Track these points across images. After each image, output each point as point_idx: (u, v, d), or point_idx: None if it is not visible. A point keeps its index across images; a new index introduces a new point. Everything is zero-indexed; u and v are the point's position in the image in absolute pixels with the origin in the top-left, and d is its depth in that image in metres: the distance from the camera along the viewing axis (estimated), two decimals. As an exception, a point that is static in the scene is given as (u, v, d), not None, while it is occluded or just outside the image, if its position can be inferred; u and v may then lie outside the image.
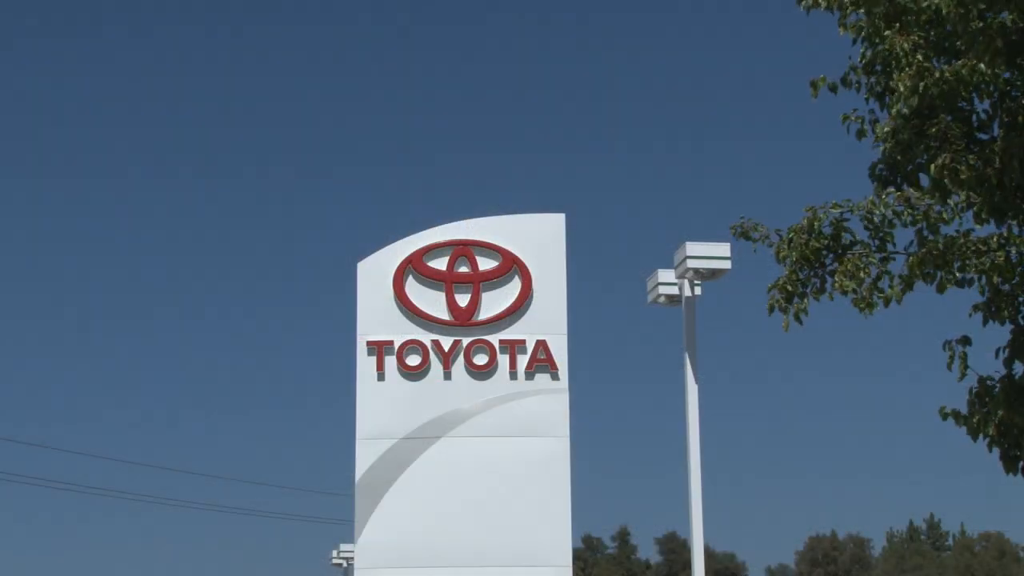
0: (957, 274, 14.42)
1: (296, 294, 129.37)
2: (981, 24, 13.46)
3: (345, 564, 47.64)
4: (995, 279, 14.39)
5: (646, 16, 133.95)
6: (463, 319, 18.74)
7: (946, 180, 14.03)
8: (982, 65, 13.70)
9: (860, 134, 15.42)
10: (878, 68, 15.11)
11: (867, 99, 15.39)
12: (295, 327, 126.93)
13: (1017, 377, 14.61)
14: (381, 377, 18.64)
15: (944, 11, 13.79)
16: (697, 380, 19.84)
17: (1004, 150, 13.96)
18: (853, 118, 15.46)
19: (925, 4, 14.19)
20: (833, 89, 15.38)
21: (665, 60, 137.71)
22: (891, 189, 14.90)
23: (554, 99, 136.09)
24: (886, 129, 15.03)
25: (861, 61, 15.33)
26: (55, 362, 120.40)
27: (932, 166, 14.19)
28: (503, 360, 18.64)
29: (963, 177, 14.00)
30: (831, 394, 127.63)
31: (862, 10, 14.86)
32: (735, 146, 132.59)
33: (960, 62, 13.97)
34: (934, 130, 14.37)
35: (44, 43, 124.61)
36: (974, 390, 14.73)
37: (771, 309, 14.79)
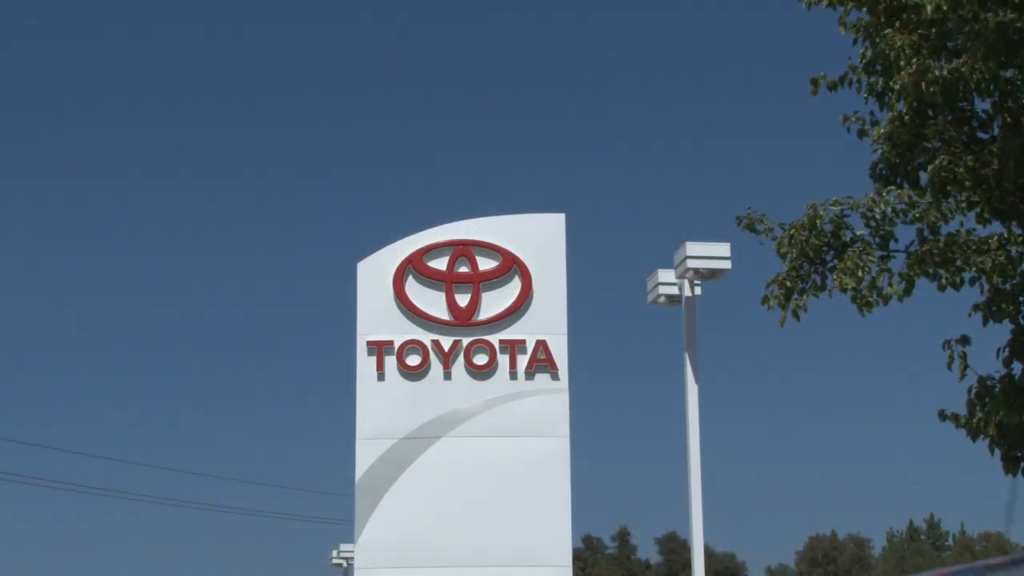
0: (957, 276, 14.41)
1: (296, 294, 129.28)
2: (977, 26, 13.40)
3: (345, 564, 47.66)
4: (995, 279, 14.38)
5: (646, 16, 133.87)
6: (463, 319, 18.74)
7: (940, 181, 14.01)
8: (981, 64, 13.67)
9: (861, 134, 15.39)
10: (878, 68, 15.08)
11: (866, 99, 15.36)
12: (295, 327, 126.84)
13: (1017, 377, 14.60)
14: (381, 377, 18.64)
15: (942, 11, 13.74)
16: (697, 380, 19.84)
17: (1001, 151, 13.94)
18: (854, 119, 15.43)
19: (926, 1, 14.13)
20: (833, 87, 15.34)
21: (665, 60, 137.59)
22: (892, 187, 14.89)
23: (554, 99, 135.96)
24: (883, 131, 15.01)
25: (861, 61, 15.29)
26: (55, 362, 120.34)
27: (930, 168, 14.18)
28: (503, 360, 18.64)
29: (960, 179, 13.97)
30: (831, 394, 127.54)
31: (864, 8, 14.83)
32: (735, 146, 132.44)
33: (960, 60, 13.94)
34: (930, 131, 14.35)
35: (44, 43, 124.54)
36: (974, 390, 14.72)
37: (765, 301, 14.78)
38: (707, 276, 19.77)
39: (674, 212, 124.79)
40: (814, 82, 15.27)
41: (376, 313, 18.78)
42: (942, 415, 14.90)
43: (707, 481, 19.48)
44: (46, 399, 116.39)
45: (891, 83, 14.63)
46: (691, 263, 19.56)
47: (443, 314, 18.74)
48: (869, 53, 15.12)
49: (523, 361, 18.63)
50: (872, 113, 15.39)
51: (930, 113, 14.47)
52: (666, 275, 20.28)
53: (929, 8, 13.71)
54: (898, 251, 14.86)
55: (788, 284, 14.74)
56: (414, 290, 18.83)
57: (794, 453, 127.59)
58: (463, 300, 18.78)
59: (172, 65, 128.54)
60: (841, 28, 15.18)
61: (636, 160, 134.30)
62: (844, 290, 14.57)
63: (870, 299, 14.55)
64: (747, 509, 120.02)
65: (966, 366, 14.55)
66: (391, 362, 18.66)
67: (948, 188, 14.11)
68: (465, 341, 18.69)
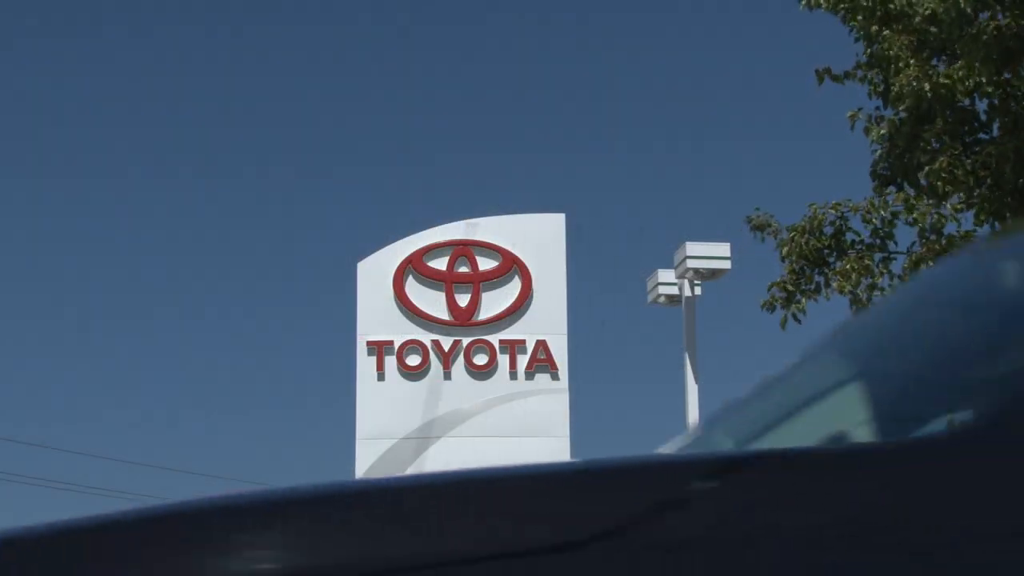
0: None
1: (296, 294, 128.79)
2: (973, 30, 13.31)
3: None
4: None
5: (646, 16, 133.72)
6: (463, 319, 18.72)
7: (939, 183, 13.96)
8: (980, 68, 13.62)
9: (868, 131, 15.26)
10: (880, 67, 14.99)
11: (870, 95, 15.25)
12: (295, 327, 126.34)
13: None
14: (381, 377, 18.62)
15: (937, 14, 13.66)
16: (697, 380, 19.83)
17: (998, 154, 13.89)
18: (861, 116, 15.29)
19: (921, 6, 14.07)
20: (838, 80, 15.17)
21: (665, 60, 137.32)
22: (891, 189, 14.85)
23: (554, 99, 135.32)
24: (881, 132, 14.93)
25: (866, 55, 15.16)
26: (55, 362, 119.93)
27: (927, 169, 14.11)
28: (503, 360, 18.63)
29: (958, 181, 13.92)
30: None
31: (856, 19, 14.74)
32: (735, 146, 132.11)
33: (959, 63, 13.89)
34: (927, 135, 14.29)
35: (44, 43, 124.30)
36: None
37: (770, 307, 14.76)
38: (707, 276, 19.75)
39: (674, 212, 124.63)
40: (819, 74, 15.09)
41: (376, 313, 18.76)
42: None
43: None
44: (46, 399, 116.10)
45: (890, 83, 14.57)
46: (691, 263, 19.53)
47: (443, 314, 18.73)
48: (871, 51, 15.03)
49: (523, 361, 18.61)
50: (878, 108, 15.25)
51: (930, 114, 14.41)
52: (666, 275, 20.26)
53: (917, 19, 13.65)
54: (899, 253, 14.83)
55: (789, 288, 14.72)
56: (414, 290, 18.82)
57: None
58: (463, 300, 18.76)
59: (172, 65, 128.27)
60: (850, 23, 15.00)
61: (636, 160, 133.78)
62: (843, 293, 14.54)
63: (867, 303, 14.52)
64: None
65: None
66: (391, 362, 18.65)
67: (946, 190, 14.06)
68: (465, 341, 18.68)
